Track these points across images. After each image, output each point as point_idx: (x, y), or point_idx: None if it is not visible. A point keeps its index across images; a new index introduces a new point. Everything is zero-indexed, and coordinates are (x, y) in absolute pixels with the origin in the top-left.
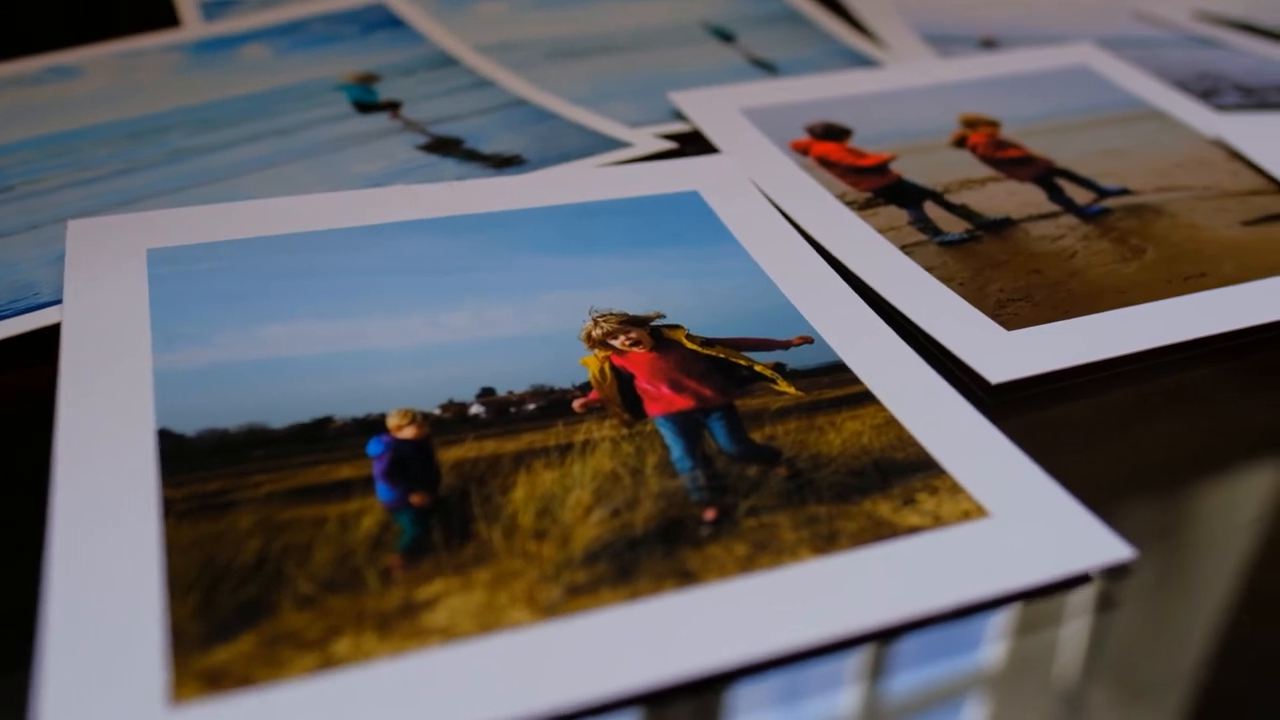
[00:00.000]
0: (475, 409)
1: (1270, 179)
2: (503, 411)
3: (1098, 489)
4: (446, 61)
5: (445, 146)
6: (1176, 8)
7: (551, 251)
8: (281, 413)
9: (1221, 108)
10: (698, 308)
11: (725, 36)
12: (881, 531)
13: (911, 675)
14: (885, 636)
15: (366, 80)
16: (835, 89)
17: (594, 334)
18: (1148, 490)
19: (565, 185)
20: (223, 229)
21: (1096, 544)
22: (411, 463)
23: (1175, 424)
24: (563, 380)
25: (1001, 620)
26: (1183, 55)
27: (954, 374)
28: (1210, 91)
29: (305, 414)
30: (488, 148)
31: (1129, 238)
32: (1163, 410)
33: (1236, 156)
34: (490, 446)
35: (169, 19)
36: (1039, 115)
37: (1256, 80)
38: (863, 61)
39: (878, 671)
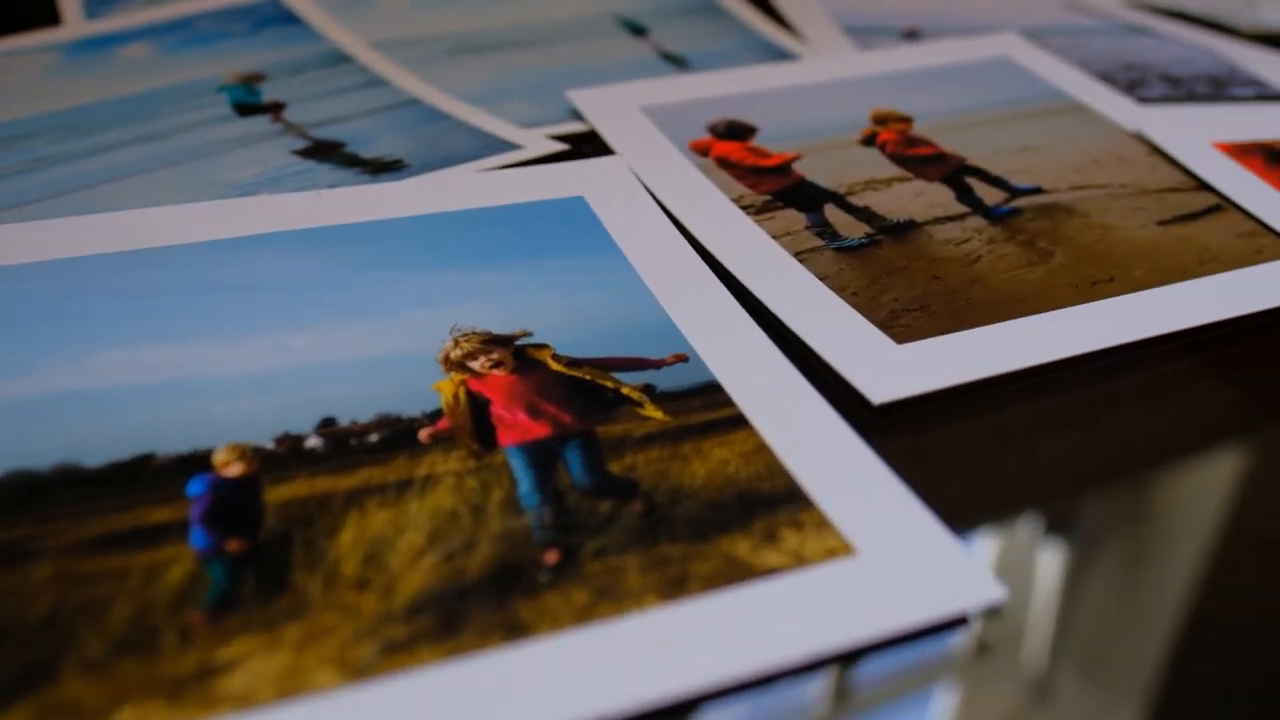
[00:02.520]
0: (312, 441)
1: (1190, 175)
2: (342, 444)
3: (984, 516)
4: (340, 59)
5: (325, 151)
6: None
7: (417, 265)
8: (100, 450)
9: (1145, 99)
10: (569, 324)
11: (637, 30)
12: (736, 574)
13: None
14: (732, 692)
15: (251, 80)
16: (745, 84)
17: (452, 355)
18: (1037, 516)
19: (442, 192)
20: (61, 246)
21: (967, 584)
22: (234, 504)
23: (1070, 443)
24: (412, 408)
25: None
26: (1110, 44)
27: (838, 393)
28: (1136, 82)
29: (126, 451)
30: (369, 151)
31: (1037, 240)
32: (1058, 429)
33: (1157, 151)
34: (323, 484)
35: (50, 17)
36: (955, 110)
37: (1183, 70)
38: (779, 55)
39: None
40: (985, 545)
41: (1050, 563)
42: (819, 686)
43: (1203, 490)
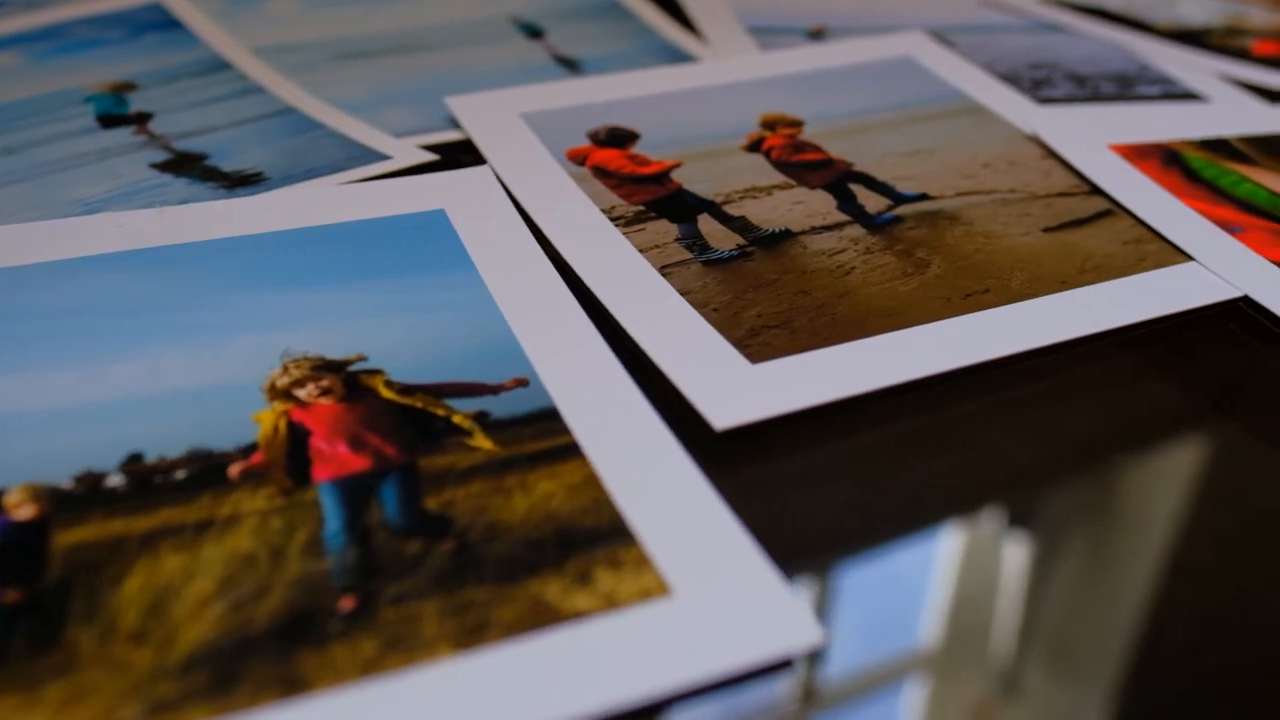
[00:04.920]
0: (114, 480)
1: (1082, 178)
2: (145, 482)
3: (823, 551)
4: (218, 66)
5: (184, 164)
6: None
7: (257, 286)
8: None
9: (1048, 99)
10: (410, 347)
11: (533, 32)
12: (541, 619)
13: None
14: None
15: (121, 89)
16: (633, 88)
17: (278, 383)
18: (883, 546)
19: (296, 207)
20: None
21: (787, 626)
22: (18, 550)
23: (923, 468)
24: (228, 441)
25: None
26: (1022, 42)
27: (684, 419)
28: (1042, 81)
29: None
30: (231, 164)
31: (915, 250)
32: (911, 453)
33: (1052, 154)
34: (118, 526)
35: None
36: (849, 113)
37: (1091, 68)
38: (679, 57)
39: None
40: (949, 539)
41: (1014, 558)
42: (787, 684)
43: (1077, 510)
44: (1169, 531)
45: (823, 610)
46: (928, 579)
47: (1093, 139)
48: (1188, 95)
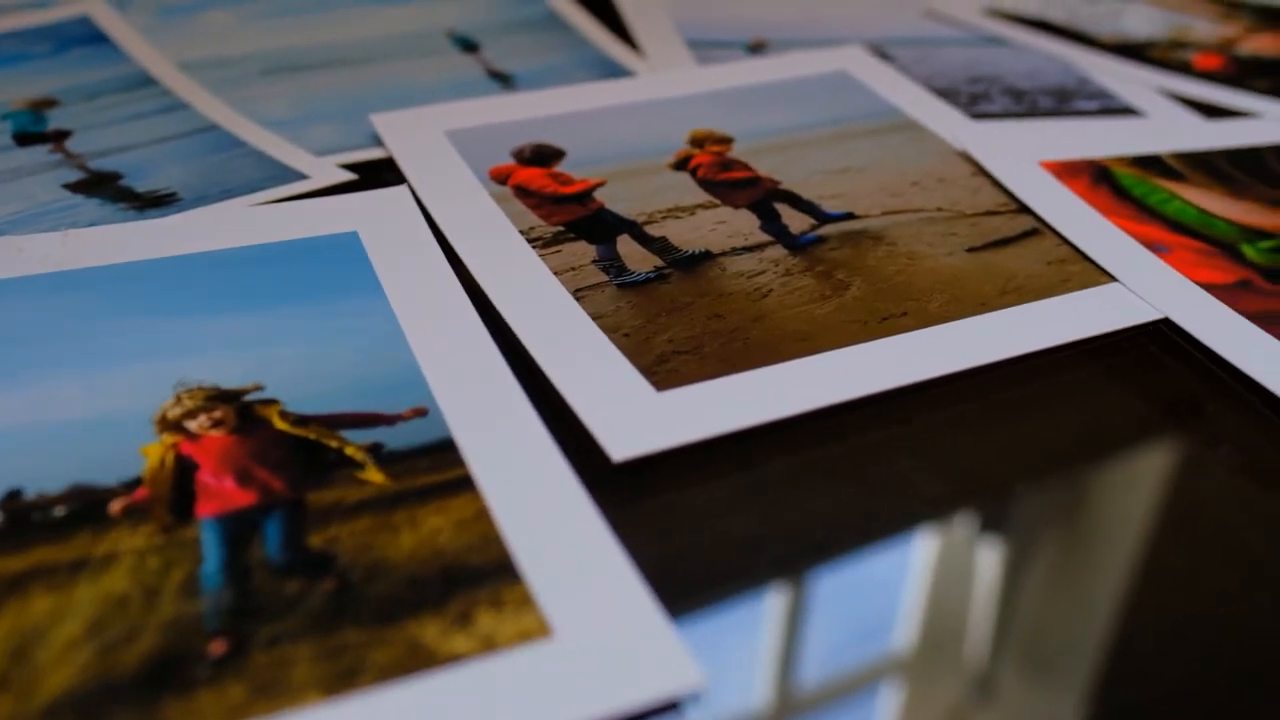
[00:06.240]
0: None
1: (1011, 196)
2: (22, 520)
3: (716, 589)
4: (144, 82)
5: (98, 184)
6: (970, 6)
7: (157, 312)
8: None
9: (984, 114)
10: (309, 376)
11: (468, 46)
12: (415, 662)
13: None
14: None
15: (41, 106)
16: (563, 104)
17: (170, 415)
18: (778, 584)
19: (205, 230)
20: None
21: (665, 670)
22: None
23: (829, 499)
24: (112, 476)
25: None
26: (963, 56)
27: (584, 450)
28: (979, 96)
29: None
30: (145, 184)
31: (836, 271)
32: (815, 485)
33: (982, 171)
34: None
35: None
36: (781, 129)
37: (1031, 82)
38: (614, 71)
39: None
40: (923, 546)
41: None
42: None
43: (991, 542)
44: (1137, 541)
45: (795, 622)
46: (879, 607)
47: (1023, 155)
48: (1125, 110)
